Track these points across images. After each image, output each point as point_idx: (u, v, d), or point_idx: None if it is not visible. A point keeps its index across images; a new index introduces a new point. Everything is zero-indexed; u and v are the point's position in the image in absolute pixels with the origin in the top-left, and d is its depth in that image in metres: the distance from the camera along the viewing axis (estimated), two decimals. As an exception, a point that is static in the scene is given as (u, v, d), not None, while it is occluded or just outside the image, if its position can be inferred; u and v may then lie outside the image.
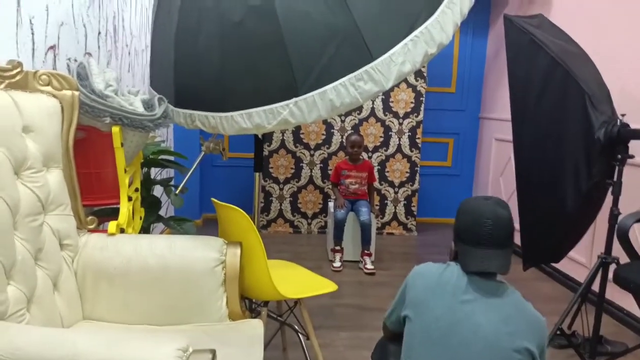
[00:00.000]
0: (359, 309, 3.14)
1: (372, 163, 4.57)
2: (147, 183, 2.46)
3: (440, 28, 1.84)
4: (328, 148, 4.76)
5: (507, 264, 1.41)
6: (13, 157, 1.41)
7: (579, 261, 3.48)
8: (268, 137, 4.62)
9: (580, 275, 3.32)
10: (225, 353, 1.41)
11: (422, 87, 4.72)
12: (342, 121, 4.71)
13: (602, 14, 3.36)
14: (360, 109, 4.68)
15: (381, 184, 4.84)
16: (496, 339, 1.34)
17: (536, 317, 1.41)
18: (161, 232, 3.71)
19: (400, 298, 1.54)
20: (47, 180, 1.57)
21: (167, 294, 1.73)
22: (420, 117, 4.77)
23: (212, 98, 1.99)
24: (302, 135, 4.71)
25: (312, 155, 4.75)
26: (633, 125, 2.37)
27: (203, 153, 2.64)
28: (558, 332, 2.60)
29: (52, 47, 2.07)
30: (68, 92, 1.68)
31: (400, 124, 4.77)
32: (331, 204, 4.25)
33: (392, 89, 4.56)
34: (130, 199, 1.97)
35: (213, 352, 1.10)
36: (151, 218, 2.38)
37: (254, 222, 1.88)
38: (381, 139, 4.79)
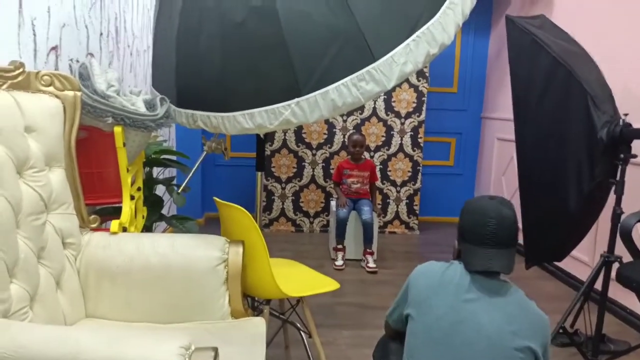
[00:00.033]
0: (361, 307, 3.14)
1: (374, 162, 4.57)
2: (150, 182, 2.46)
3: (442, 28, 1.84)
4: (330, 147, 4.76)
5: (511, 264, 1.41)
6: (15, 156, 1.42)
7: (581, 260, 3.47)
8: (270, 136, 4.63)
9: (583, 274, 3.32)
10: (228, 351, 1.41)
11: (424, 87, 4.72)
12: (344, 121, 4.72)
13: (603, 14, 3.36)
14: (362, 108, 4.68)
15: (383, 183, 4.84)
16: (499, 338, 1.34)
17: (539, 316, 1.40)
18: (163, 231, 3.72)
19: (403, 296, 1.54)
20: (49, 180, 1.58)
21: (169, 292, 1.74)
22: (422, 116, 4.77)
23: (214, 99, 2.00)
24: (304, 135, 4.72)
25: (314, 155, 4.75)
26: (635, 125, 2.37)
27: (205, 152, 2.64)
28: (560, 331, 2.60)
29: (54, 48, 2.08)
30: (70, 93, 1.69)
31: (402, 123, 4.77)
32: (333, 203, 4.25)
33: (394, 89, 4.56)
34: (132, 198, 1.98)
35: (215, 350, 1.10)
36: (153, 217, 2.39)
37: (256, 221, 1.89)
38: (383, 139, 4.79)
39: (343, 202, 4.01)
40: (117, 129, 1.84)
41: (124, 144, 1.88)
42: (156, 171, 2.72)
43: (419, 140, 4.81)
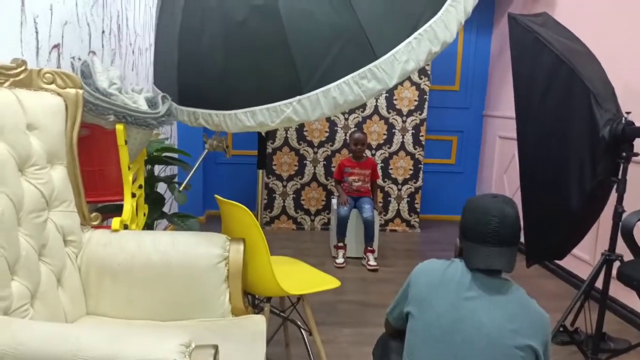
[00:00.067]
0: (362, 305, 3.14)
1: (375, 160, 4.57)
2: (151, 180, 2.47)
3: (444, 26, 1.84)
4: (331, 145, 4.76)
5: (512, 263, 1.41)
6: (17, 154, 1.42)
7: (582, 258, 3.47)
8: (271, 134, 4.63)
9: (584, 273, 3.31)
10: (228, 348, 1.42)
11: (425, 85, 4.71)
12: (346, 119, 4.71)
13: (606, 11, 3.35)
14: (363, 106, 4.68)
15: (384, 181, 4.84)
16: (499, 336, 1.34)
17: (540, 314, 1.40)
18: (165, 229, 3.72)
19: (403, 294, 1.54)
20: (51, 177, 1.58)
21: (170, 290, 1.74)
22: (424, 114, 4.77)
23: (216, 97, 2.00)
24: (305, 133, 4.72)
25: (315, 153, 4.76)
26: (638, 123, 2.36)
27: (206, 150, 2.65)
28: (561, 329, 2.60)
29: (56, 46, 2.08)
30: (72, 90, 1.69)
31: (404, 121, 4.77)
32: (334, 201, 4.25)
33: (395, 87, 4.57)
34: (134, 195, 1.98)
35: (215, 347, 1.10)
36: (155, 214, 2.40)
37: (257, 219, 1.89)
38: (384, 137, 4.78)
39: (344, 200, 4.01)
40: (119, 127, 1.84)
41: (126, 142, 1.88)
42: (158, 169, 2.73)
43: (421, 138, 4.81)
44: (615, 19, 3.26)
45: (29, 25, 1.87)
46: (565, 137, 2.47)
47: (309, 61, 1.81)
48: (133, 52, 3.17)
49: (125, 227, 1.88)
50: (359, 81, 1.79)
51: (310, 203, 4.85)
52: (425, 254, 4.31)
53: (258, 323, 1.73)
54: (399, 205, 4.91)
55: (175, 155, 2.69)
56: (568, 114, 2.46)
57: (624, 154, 2.33)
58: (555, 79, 2.49)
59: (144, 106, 1.92)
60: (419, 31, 1.80)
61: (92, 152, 1.89)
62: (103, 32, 2.59)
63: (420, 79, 4.69)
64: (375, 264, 3.83)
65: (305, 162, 4.76)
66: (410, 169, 4.86)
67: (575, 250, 3.07)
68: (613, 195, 2.46)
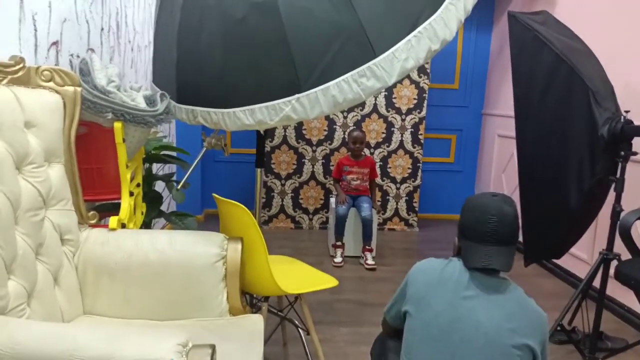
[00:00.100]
0: (360, 304, 3.14)
1: (374, 159, 4.57)
2: (149, 178, 2.46)
3: (443, 24, 1.83)
4: (330, 144, 4.75)
5: (510, 262, 1.41)
6: (14, 152, 1.42)
7: (580, 257, 3.48)
8: (270, 133, 4.62)
9: (582, 272, 3.32)
10: (226, 348, 1.42)
11: (425, 83, 4.71)
12: (345, 117, 4.71)
13: (606, 10, 3.34)
14: (362, 105, 4.67)
15: (383, 180, 4.83)
16: (497, 335, 1.34)
17: (538, 313, 1.40)
18: (162, 228, 3.72)
19: (401, 293, 1.54)
20: (48, 175, 1.57)
21: (167, 289, 1.74)
22: (423, 113, 4.76)
23: (214, 95, 1.99)
24: (304, 131, 4.71)
25: (314, 151, 4.75)
26: (637, 122, 2.36)
27: (205, 149, 2.64)
28: (558, 328, 2.60)
29: (55, 43, 2.08)
30: (70, 88, 1.68)
31: (403, 120, 4.76)
32: (333, 200, 4.25)
33: (395, 85, 4.57)
34: (131, 194, 1.98)
35: (212, 347, 1.10)
36: (153, 213, 2.39)
37: (255, 218, 1.89)
38: (383, 135, 4.78)
39: (342, 198, 4.01)
40: (117, 125, 1.84)
41: (124, 140, 1.87)
42: (156, 167, 2.72)
43: (420, 136, 4.81)
44: (614, 17, 3.26)
45: (27, 23, 1.86)
46: (564, 135, 2.47)
47: (308, 59, 1.80)
48: (132, 49, 3.16)
49: (123, 225, 1.88)
50: (358, 79, 1.78)
51: (309, 202, 4.84)
52: (423, 253, 4.31)
53: (256, 322, 1.73)
54: (397, 204, 4.91)
55: (174, 154, 2.68)
56: (567, 112, 2.46)
57: (622, 152, 2.33)
58: (555, 77, 2.48)
59: (142, 104, 1.91)
60: (419, 29, 1.80)
61: (90, 150, 1.88)
62: (102, 29, 2.59)
63: (420, 77, 4.69)
64: (373, 263, 3.83)
65: (303, 160, 4.76)
66: (409, 168, 4.86)
67: (573, 250, 3.07)
68: (611, 194, 2.46)
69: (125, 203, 1.93)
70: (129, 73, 3.13)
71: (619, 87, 2.63)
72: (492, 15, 5.13)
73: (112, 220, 1.82)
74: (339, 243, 3.95)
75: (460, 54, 5.16)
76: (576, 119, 2.41)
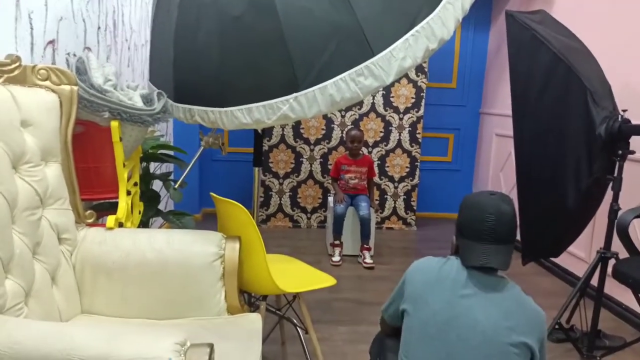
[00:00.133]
0: (358, 303, 3.14)
1: (372, 158, 4.57)
2: (147, 177, 2.46)
3: (441, 23, 1.83)
4: (328, 143, 4.75)
5: (508, 260, 1.41)
6: (11, 151, 1.41)
7: (578, 256, 3.48)
8: (268, 132, 4.61)
9: (580, 270, 3.33)
10: (224, 347, 1.41)
11: (422, 82, 4.71)
12: (343, 116, 4.71)
13: (604, 9, 3.35)
14: (360, 104, 4.67)
15: (381, 179, 4.84)
16: (495, 334, 1.34)
17: (536, 311, 1.40)
18: (160, 227, 3.71)
19: (399, 292, 1.54)
20: (45, 175, 1.57)
21: (165, 288, 1.73)
22: (421, 112, 4.76)
23: (212, 94, 1.99)
24: (302, 130, 4.71)
25: (312, 150, 4.75)
26: (634, 121, 2.37)
27: (202, 147, 2.64)
28: (556, 327, 2.60)
29: (51, 42, 2.07)
30: (67, 87, 1.68)
31: (401, 119, 4.77)
32: (331, 199, 4.25)
33: (392, 84, 4.56)
34: (129, 193, 1.97)
35: (211, 346, 1.10)
36: (150, 212, 2.39)
37: (253, 217, 1.88)
38: (381, 134, 4.78)
39: (341, 197, 4.01)
40: (114, 124, 1.83)
41: (121, 139, 1.87)
42: (153, 166, 2.72)
43: (417, 135, 4.81)
44: (612, 17, 3.26)
45: (23, 21, 1.85)
46: (561, 134, 2.47)
47: (306, 57, 1.80)
48: (129, 48, 3.15)
49: (120, 225, 1.88)
50: (355, 78, 1.78)
51: (307, 201, 4.84)
52: (421, 251, 4.31)
53: (254, 321, 1.72)
54: (395, 203, 4.91)
55: (171, 153, 2.68)
56: (565, 111, 2.46)
57: (619, 151, 2.33)
58: (553, 76, 2.49)
59: (139, 103, 1.91)
60: (416, 28, 1.80)
61: (87, 149, 1.88)
62: (99, 28, 2.58)
63: (418, 76, 4.69)
64: (371, 261, 3.83)
65: (301, 159, 4.76)
66: (407, 167, 4.86)
67: (571, 248, 3.08)
68: (609, 193, 2.47)
69: (123, 202, 1.93)
70: (125, 72, 3.12)
71: (616, 86, 2.64)
72: (489, 14, 5.14)
73: (110, 220, 1.82)
74: (337, 242, 3.95)
75: (458, 53, 5.17)
76: (573, 118, 2.42)
